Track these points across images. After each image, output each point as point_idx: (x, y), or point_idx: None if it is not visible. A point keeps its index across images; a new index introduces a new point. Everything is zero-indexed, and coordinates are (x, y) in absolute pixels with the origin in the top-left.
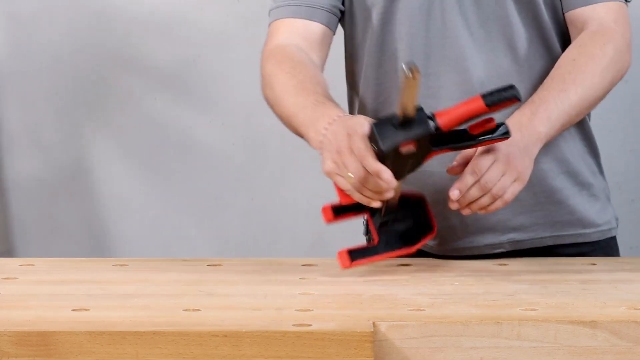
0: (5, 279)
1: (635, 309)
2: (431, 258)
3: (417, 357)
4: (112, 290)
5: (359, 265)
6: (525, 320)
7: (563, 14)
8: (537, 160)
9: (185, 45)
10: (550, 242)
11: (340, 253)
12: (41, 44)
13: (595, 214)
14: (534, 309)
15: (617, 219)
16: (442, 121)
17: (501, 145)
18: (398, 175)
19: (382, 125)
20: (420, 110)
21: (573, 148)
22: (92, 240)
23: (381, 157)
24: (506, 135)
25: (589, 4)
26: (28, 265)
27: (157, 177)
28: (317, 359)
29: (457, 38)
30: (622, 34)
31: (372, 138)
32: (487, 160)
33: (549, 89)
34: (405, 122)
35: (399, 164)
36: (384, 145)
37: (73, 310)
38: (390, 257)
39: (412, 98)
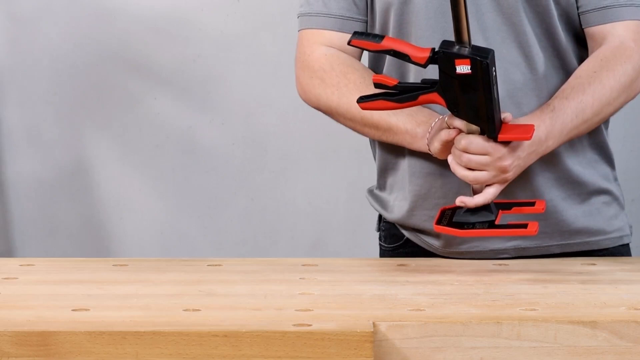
0: (5, 279)
1: (635, 309)
2: (432, 258)
3: (417, 357)
4: (112, 290)
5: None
6: (525, 320)
7: (582, 28)
8: (543, 170)
9: (185, 45)
10: (557, 250)
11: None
12: (41, 43)
13: (605, 221)
14: (534, 309)
15: (631, 227)
16: None
17: (500, 151)
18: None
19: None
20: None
21: (582, 158)
22: (92, 240)
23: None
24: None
25: (609, 22)
26: (28, 265)
27: (157, 177)
28: (317, 359)
29: (473, 42)
30: None
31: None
32: (479, 161)
33: (569, 97)
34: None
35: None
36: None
37: (73, 310)
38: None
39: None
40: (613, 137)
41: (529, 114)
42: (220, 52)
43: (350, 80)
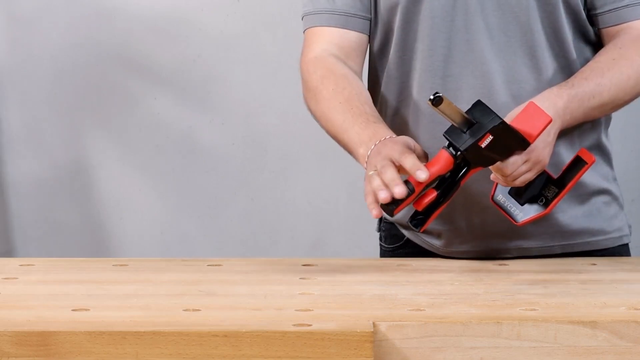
0: (5, 279)
1: (635, 309)
2: (432, 258)
3: (417, 357)
4: (112, 290)
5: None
6: (525, 320)
7: (594, 29)
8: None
9: (185, 45)
10: (558, 251)
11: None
12: (41, 43)
13: (605, 221)
14: (534, 309)
15: (630, 227)
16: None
17: (539, 148)
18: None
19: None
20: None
21: None
22: (92, 240)
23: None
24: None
25: (626, 21)
26: (28, 265)
27: (157, 177)
28: (317, 359)
29: (478, 42)
30: None
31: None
32: (521, 171)
33: (588, 78)
34: (468, 126)
35: (488, 156)
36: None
37: (73, 310)
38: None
39: (452, 114)
40: (612, 138)
41: (547, 90)
42: (220, 52)
43: (324, 88)
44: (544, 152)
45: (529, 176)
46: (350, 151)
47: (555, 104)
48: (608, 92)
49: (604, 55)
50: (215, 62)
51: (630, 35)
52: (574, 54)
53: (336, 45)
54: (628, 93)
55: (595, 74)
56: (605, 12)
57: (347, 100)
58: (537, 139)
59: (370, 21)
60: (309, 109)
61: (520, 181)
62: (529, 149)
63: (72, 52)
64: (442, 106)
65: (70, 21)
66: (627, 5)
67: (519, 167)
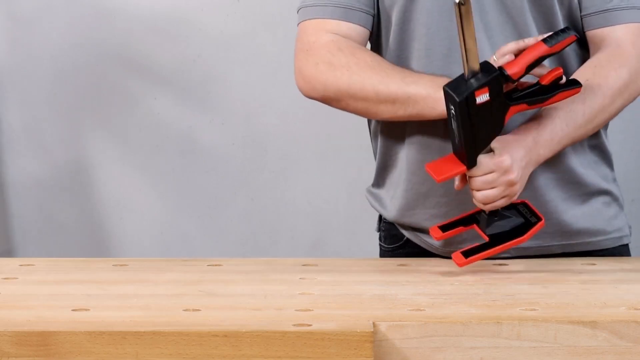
0: (5, 279)
1: (635, 309)
2: (432, 258)
3: (417, 357)
4: (112, 290)
5: (474, 262)
6: (525, 320)
7: (584, 32)
8: (544, 170)
9: (185, 45)
10: (558, 250)
11: (454, 255)
12: (41, 43)
13: (605, 221)
14: (534, 309)
15: (630, 227)
16: (511, 70)
17: (504, 166)
18: (484, 138)
19: (453, 83)
20: (485, 62)
21: (583, 159)
22: (92, 240)
23: (461, 112)
24: (578, 86)
25: (609, 25)
26: (28, 265)
27: (157, 177)
28: (317, 359)
29: (477, 40)
30: (638, 56)
31: (447, 97)
32: (486, 181)
33: (559, 106)
34: (473, 75)
35: (481, 122)
36: (459, 97)
37: (73, 310)
38: (504, 249)
39: (471, 33)
40: (612, 139)
41: (517, 128)
42: (220, 52)
43: (360, 59)
44: (517, 176)
45: (493, 194)
46: (418, 100)
47: (525, 138)
48: (583, 116)
49: (577, 76)
50: (215, 62)
51: (609, 48)
52: (570, 55)
53: (340, 36)
54: (607, 110)
55: (568, 100)
56: (590, 14)
57: (394, 65)
58: (512, 158)
59: (374, 17)
60: (335, 89)
61: (482, 196)
62: (501, 165)
63: (72, 52)
64: (466, 8)
65: (70, 21)
66: (612, 9)
67: (485, 175)
